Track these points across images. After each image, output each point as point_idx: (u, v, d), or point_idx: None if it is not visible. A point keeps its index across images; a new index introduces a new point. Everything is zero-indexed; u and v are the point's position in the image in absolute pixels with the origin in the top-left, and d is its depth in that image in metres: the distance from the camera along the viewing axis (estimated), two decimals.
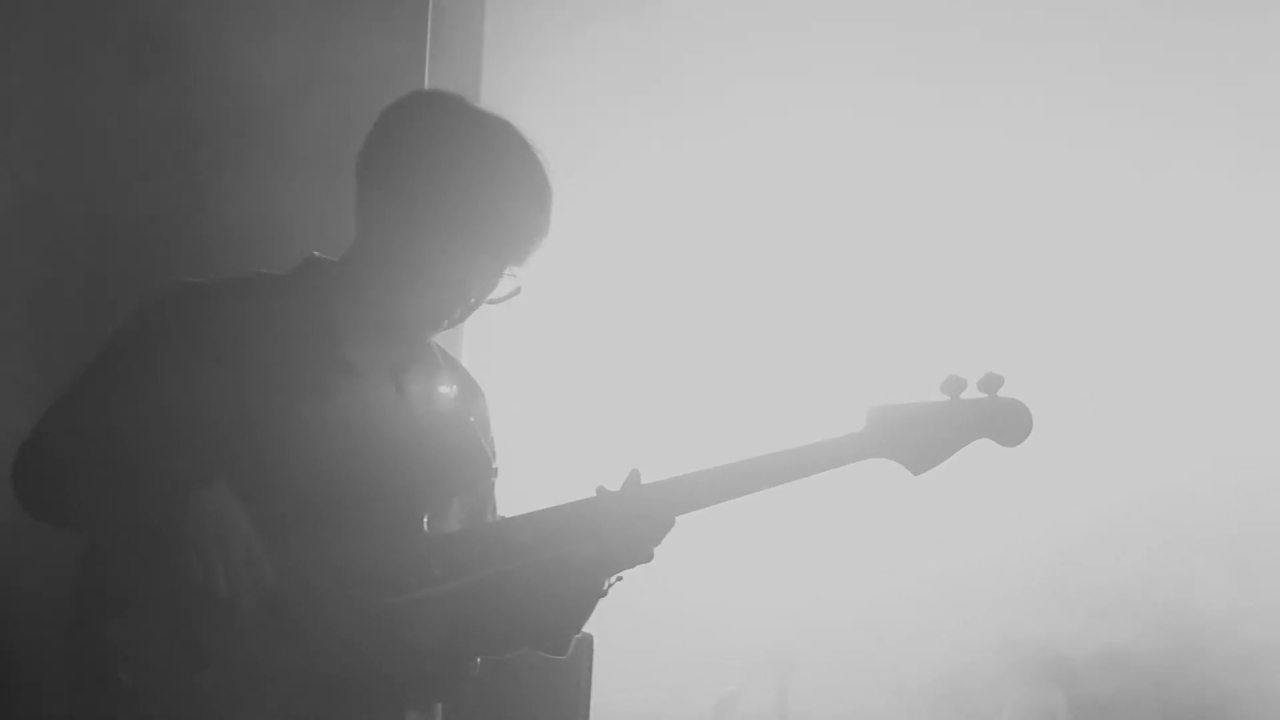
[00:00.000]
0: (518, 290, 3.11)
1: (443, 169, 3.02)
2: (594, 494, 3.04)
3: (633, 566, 3.06)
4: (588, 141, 5.78)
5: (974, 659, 6.19)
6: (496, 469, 3.22)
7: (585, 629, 3.98)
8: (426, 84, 4.25)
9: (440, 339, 3.24)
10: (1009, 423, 3.13)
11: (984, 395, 3.11)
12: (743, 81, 6.04)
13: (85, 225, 3.97)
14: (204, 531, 2.76)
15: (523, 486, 3.23)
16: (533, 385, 5.65)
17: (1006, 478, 5.99)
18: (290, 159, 4.04)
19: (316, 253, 3.19)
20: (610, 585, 3.12)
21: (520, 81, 5.00)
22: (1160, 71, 5.99)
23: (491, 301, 3.12)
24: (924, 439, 3.11)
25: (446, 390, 3.22)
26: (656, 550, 3.05)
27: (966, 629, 6.12)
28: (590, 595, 3.12)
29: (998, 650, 6.19)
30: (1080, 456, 6.08)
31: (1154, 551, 6.10)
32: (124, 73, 4.02)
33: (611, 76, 5.78)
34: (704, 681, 6.15)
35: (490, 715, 3.71)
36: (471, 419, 3.26)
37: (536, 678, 3.97)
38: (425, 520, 3.00)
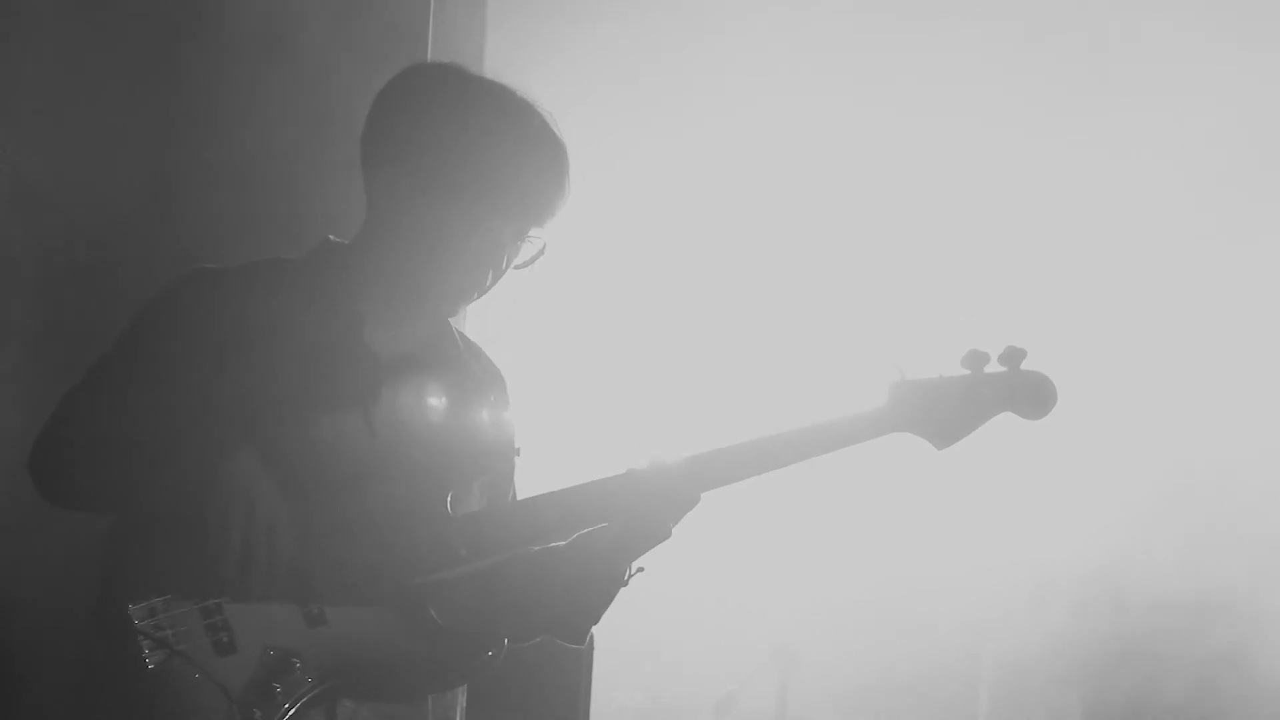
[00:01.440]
0: (543, 251, 3.09)
1: (451, 135, 3.00)
2: (617, 472, 3.02)
3: (653, 545, 3.03)
4: (594, 127, 5.80)
5: (974, 658, 6.18)
6: (519, 449, 3.22)
7: None
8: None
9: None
10: (1032, 396, 3.09)
11: (1005, 369, 3.09)
12: (741, 73, 6.06)
13: (83, 217, 3.97)
14: (228, 497, 2.77)
15: (548, 471, 3.21)
16: (554, 372, 5.67)
17: (1006, 479, 6.01)
18: (290, 156, 4.02)
19: (332, 237, 3.18)
20: (631, 575, 3.08)
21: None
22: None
23: (519, 266, 3.10)
24: (947, 414, 3.08)
25: (467, 373, 3.22)
26: (676, 529, 3.02)
27: (969, 628, 6.11)
28: (611, 582, 3.08)
29: (999, 650, 6.18)
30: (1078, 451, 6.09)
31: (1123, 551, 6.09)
32: (122, 66, 4.01)
33: (614, 68, 5.80)
34: (704, 680, 6.16)
35: (491, 715, 3.70)
36: (492, 399, 3.25)
37: (537, 677, 3.96)
38: (448, 500, 3.00)
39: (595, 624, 3.15)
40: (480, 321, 4.08)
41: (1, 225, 3.84)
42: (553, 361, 5.68)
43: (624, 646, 4.47)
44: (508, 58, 4.50)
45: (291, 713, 2.80)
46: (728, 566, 6.06)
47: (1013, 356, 3.08)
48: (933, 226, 6.10)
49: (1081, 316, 5.96)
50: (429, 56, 4.21)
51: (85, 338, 3.66)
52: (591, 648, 4.15)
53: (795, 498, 6.01)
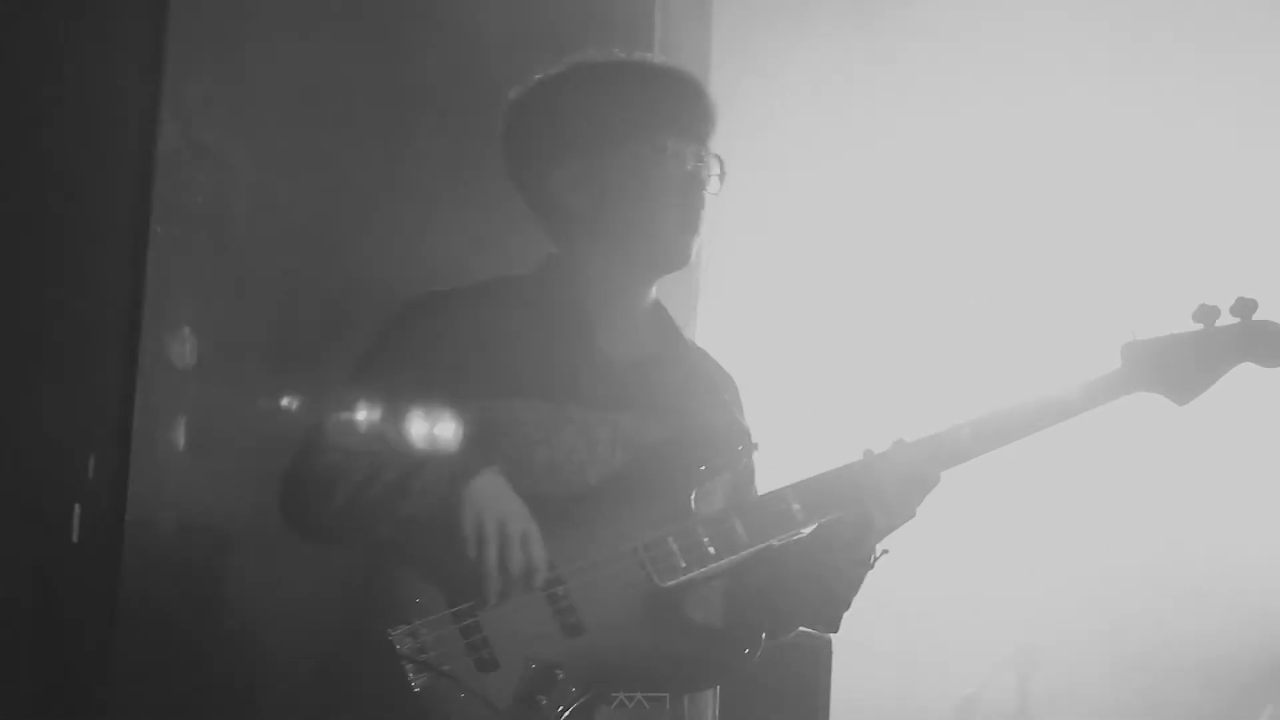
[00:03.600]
0: (722, 167, 3.16)
1: (605, 96, 3.14)
2: (858, 458, 3.04)
3: (898, 526, 3.03)
4: (818, 129, 5.80)
5: (1231, 661, 5.99)
6: (757, 444, 3.21)
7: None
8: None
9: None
10: (1269, 344, 3.08)
11: (1238, 320, 3.07)
12: (964, 76, 6.03)
13: (319, 232, 4.04)
14: (480, 517, 2.80)
15: (788, 465, 3.21)
16: (785, 365, 5.68)
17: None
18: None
19: (553, 250, 3.23)
20: (877, 558, 3.09)
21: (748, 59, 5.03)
22: None
23: (713, 192, 3.16)
24: (1183, 369, 3.08)
25: (699, 374, 3.25)
26: (920, 509, 3.04)
27: (1223, 633, 5.92)
28: (858, 566, 3.09)
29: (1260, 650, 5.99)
30: None
31: None
32: (350, 81, 4.08)
33: (839, 71, 5.78)
34: (945, 680, 6.08)
35: (731, 716, 3.70)
36: (726, 398, 3.28)
37: (776, 678, 3.94)
38: (693, 499, 3.02)
39: (846, 610, 3.16)
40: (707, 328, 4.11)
41: (244, 242, 3.94)
42: (783, 355, 5.69)
43: (863, 648, 4.42)
44: (734, 59, 4.53)
45: None
46: (968, 565, 5.98)
47: (1245, 308, 3.08)
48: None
49: None
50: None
51: (326, 350, 3.76)
52: (830, 649, 4.14)
53: (1034, 493, 5.92)
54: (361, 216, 4.10)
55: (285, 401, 3.83)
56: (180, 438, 3.77)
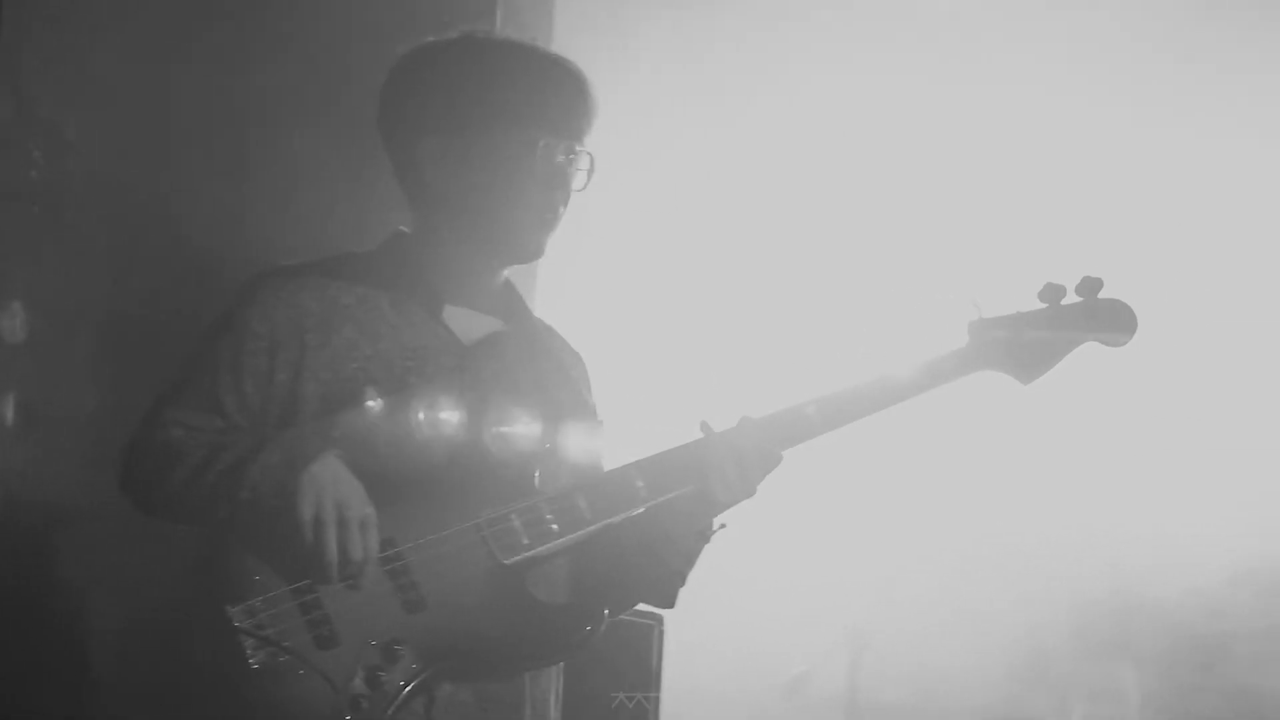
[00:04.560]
0: (591, 164, 3.13)
1: (486, 80, 3.08)
2: (700, 435, 3.04)
3: (737, 501, 3.04)
4: (657, 113, 5.83)
5: (1048, 638, 6.13)
6: (601, 422, 3.22)
7: (657, 610, 4.01)
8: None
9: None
10: (1112, 323, 3.13)
11: (1082, 299, 3.12)
12: (805, 60, 6.09)
13: (156, 209, 4.00)
14: (317, 502, 2.78)
15: (631, 443, 3.23)
16: (628, 344, 5.70)
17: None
18: (360, 146, 4.04)
19: (403, 228, 3.21)
20: (714, 532, 3.10)
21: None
22: None
23: (578, 190, 3.13)
24: (1029, 348, 3.12)
25: (547, 351, 3.25)
26: (760, 486, 3.04)
27: (1041, 608, 6.07)
28: (696, 539, 3.10)
29: (1072, 626, 6.14)
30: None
31: None
32: (192, 57, 4.04)
33: (681, 57, 5.81)
34: (775, 661, 6.15)
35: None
36: (574, 375, 3.29)
37: (607, 658, 3.98)
38: (536, 477, 3.02)
39: (682, 585, 3.17)
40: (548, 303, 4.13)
41: (79, 216, 3.89)
42: (627, 334, 5.72)
43: (695, 627, 4.47)
44: (577, 33, 4.52)
45: (399, 700, 2.81)
46: (798, 547, 6.05)
47: (1090, 286, 3.12)
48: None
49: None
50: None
51: (160, 326, 3.73)
52: (662, 627, 4.18)
53: (866, 475, 6.01)
54: (200, 191, 4.06)
55: (118, 378, 3.79)
56: (9, 413, 3.72)
